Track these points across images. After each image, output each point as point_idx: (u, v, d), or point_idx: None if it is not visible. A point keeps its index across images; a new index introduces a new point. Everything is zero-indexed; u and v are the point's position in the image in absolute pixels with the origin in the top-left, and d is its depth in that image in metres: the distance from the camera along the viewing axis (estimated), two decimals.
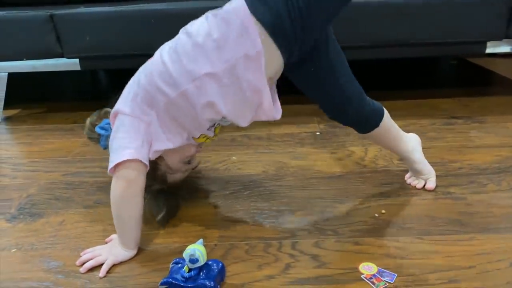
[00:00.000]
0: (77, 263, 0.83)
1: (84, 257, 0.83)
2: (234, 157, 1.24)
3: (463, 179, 1.06)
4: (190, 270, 0.74)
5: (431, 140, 1.27)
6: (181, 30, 0.84)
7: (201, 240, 0.76)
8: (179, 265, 0.76)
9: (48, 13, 1.43)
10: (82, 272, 0.81)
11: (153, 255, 0.85)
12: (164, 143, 0.85)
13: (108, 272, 0.80)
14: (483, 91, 1.70)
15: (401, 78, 2.00)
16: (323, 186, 1.06)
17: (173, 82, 0.80)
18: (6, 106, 1.59)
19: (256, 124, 1.41)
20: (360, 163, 1.17)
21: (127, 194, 0.82)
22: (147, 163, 0.82)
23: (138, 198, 0.83)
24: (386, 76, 2.01)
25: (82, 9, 1.44)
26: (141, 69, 0.87)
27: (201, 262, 0.73)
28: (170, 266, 0.78)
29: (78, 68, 1.50)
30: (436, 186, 1.03)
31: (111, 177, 0.83)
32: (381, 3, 1.39)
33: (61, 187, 1.12)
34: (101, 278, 0.79)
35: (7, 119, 1.62)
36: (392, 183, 1.06)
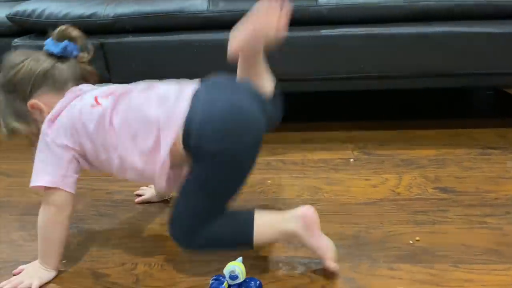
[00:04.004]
0: None
1: None
2: (269, 181, 1.28)
3: (500, 210, 1.06)
4: (229, 286, 0.77)
5: (466, 170, 1.27)
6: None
7: (240, 258, 0.79)
8: (218, 281, 0.80)
9: (99, 42, 1.54)
10: None
11: (193, 272, 0.89)
12: None
13: (144, 285, 0.85)
14: None
15: (436, 107, 2.00)
16: (357, 212, 1.08)
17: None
18: None
19: (290, 149, 1.47)
20: (395, 190, 1.18)
21: (56, 220, 0.84)
22: (72, 191, 0.84)
23: (66, 222, 0.85)
24: (421, 106, 2.02)
25: (130, 38, 1.54)
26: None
27: (241, 279, 0.76)
28: (210, 282, 0.81)
29: None
30: (472, 215, 1.04)
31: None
32: (419, 34, 1.42)
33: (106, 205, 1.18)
34: None
35: None
36: (427, 211, 1.07)
